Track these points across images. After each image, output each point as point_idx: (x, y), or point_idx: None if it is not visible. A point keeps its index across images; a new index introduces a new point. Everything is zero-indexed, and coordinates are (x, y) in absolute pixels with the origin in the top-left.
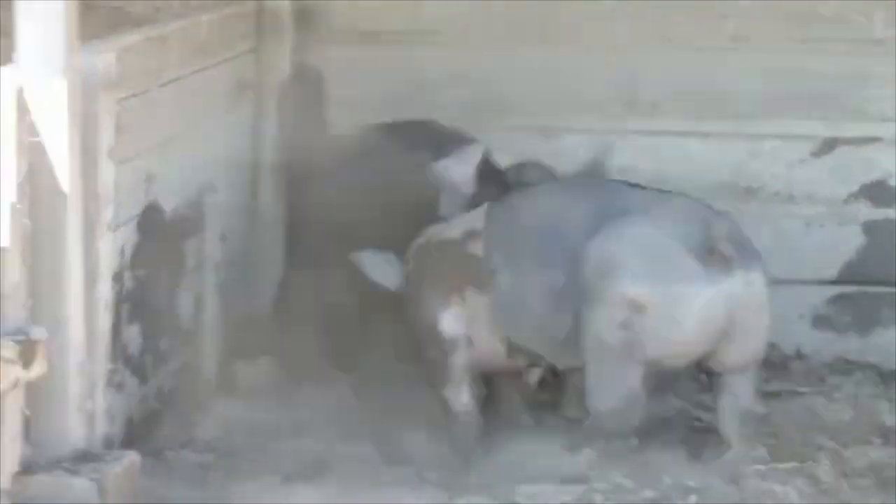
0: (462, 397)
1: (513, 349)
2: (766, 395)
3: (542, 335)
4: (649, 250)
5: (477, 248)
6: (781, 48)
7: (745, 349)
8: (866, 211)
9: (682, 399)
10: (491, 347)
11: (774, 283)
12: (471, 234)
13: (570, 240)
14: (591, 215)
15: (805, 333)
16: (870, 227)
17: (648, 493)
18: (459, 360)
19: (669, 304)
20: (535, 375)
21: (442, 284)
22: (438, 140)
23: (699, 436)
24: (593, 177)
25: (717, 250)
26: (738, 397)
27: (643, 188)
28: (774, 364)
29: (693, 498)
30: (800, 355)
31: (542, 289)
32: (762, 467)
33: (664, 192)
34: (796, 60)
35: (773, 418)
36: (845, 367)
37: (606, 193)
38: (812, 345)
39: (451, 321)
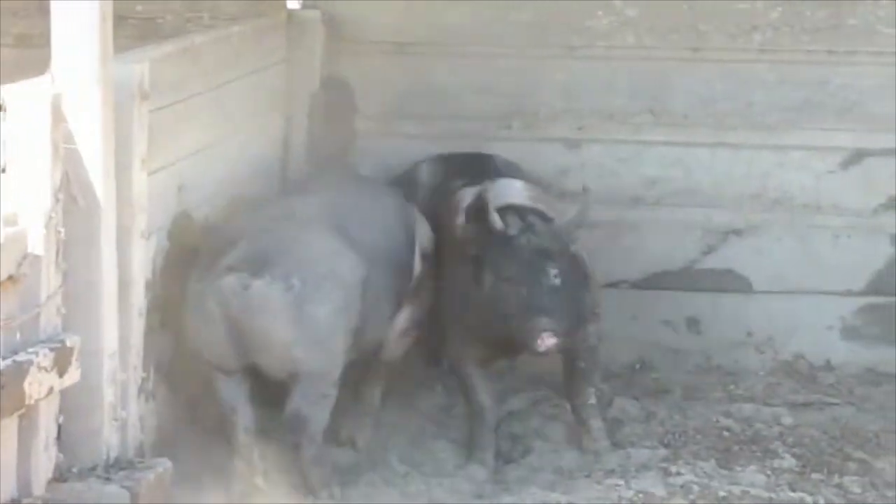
0: None
1: None
2: (796, 406)
3: None
4: None
5: None
6: (809, 60)
7: (261, 354)
8: (895, 222)
9: (711, 409)
10: None
11: (799, 293)
12: None
13: None
14: None
15: (834, 345)
16: None
17: (678, 502)
18: None
19: None
20: None
21: None
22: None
23: (728, 445)
24: None
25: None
26: (290, 402)
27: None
28: (804, 375)
29: None
30: (829, 366)
31: None
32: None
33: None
34: (824, 72)
35: (802, 429)
36: (874, 378)
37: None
38: (841, 356)
39: None
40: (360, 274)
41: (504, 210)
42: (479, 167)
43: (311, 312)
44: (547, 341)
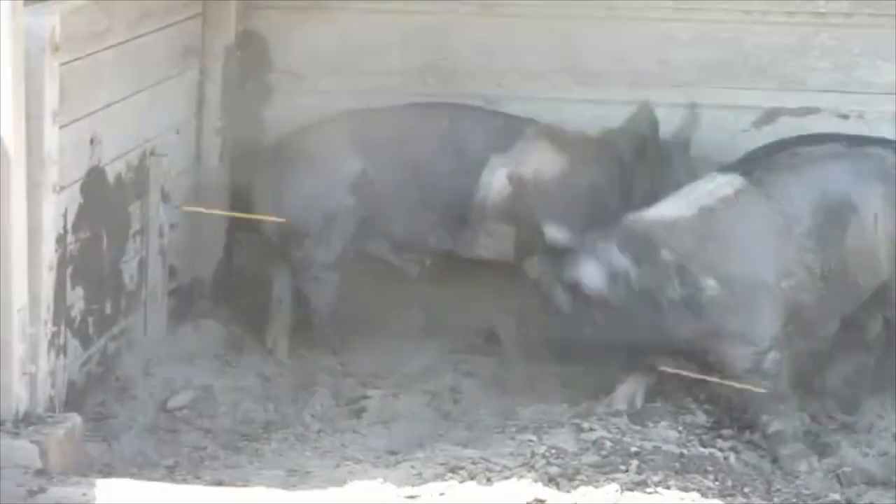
0: None
1: None
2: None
3: None
4: None
5: None
6: (724, 19)
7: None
8: None
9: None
10: None
11: None
12: None
13: None
14: None
15: None
16: None
17: (590, 458)
18: None
19: None
20: None
21: None
22: None
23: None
24: None
25: None
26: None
27: None
28: None
29: (634, 463)
30: None
31: None
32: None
33: None
34: (739, 31)
35: (715, 386)
36: None
37: None
38: None
39: None
40: (350, 173)
41: None
42: None
43: (287, 205)
44: None
